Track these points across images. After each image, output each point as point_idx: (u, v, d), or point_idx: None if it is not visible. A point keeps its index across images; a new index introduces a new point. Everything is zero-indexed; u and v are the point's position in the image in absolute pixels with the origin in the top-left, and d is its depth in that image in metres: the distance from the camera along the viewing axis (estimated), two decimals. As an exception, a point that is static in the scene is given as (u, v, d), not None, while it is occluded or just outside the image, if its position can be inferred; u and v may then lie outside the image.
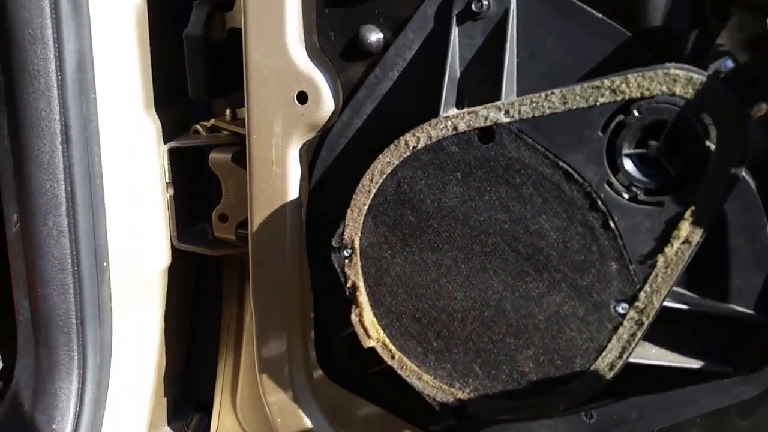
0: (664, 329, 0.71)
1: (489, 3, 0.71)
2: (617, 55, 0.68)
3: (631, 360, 0.69)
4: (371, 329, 0.78)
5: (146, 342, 1.11)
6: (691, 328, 0.71)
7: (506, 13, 0.70)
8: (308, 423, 0.96)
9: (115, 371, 1.03)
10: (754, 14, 0.59)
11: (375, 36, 0.78)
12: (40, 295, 0.96)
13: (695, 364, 0.70)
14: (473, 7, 0.71)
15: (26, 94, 0.87)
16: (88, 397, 1.00)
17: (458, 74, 0.74)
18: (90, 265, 0.96)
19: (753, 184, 0.67)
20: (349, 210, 0.75)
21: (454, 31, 0.72)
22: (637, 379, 0.75)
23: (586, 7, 0.69)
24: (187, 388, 1.31)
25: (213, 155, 1.04)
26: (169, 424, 1.23)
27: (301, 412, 0.96)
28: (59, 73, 0.87)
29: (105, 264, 0.99)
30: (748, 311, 0.69)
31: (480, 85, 0.72)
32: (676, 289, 0.71)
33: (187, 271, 1.23)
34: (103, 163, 0.95)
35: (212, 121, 1.12)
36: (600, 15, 0.68)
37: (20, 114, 0.88)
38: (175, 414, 1.25)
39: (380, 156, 0.72)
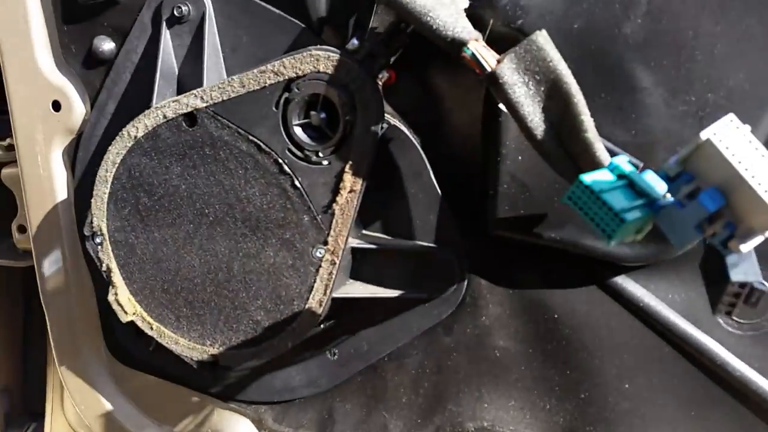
0: (369, 268, 0.85)
1: (189, 8, 0.82)
2: (296, 44, 0.81)
3: (339, 295, 0.82)
4: (127, 306, 0.87)
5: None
6: (390, 264, 0.85)
7: (204, 16, 0.82)
8: (108, 405, 1.04)
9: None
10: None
11: (107, 45, 0.89)
12: None
13: (395, 293, 0.84)
14: (176, 12, 0.83)
15: None
16: None
17: (176, 71, 0.85)
18: None
19: (416, 141, 0.81)
20: (92, 199, 0.84)
21: (165, 34, 0.84)
22: (363, 315, 0.88)
23: (268, 6, 0.82)
24: (23, 399, 1.35)
25: (5, 171, 1.10)
26: (0, 434, 1.27)
27: (100, 396, 1.03)
28: None
29: None
30: (430, 245, 0.83)
31: (193, 78, 0.84)
32: (371, 233, 0.85)
33: (9, 284, 1.28)
34: None
35: (8, 140, 1.18)
36: (279, 12, 0.81)
37: None
38: (9, 425, 1.29)
39: (110, 147, 0.82)
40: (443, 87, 0.81)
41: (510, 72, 0.62)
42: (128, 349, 1.00)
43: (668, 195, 0.53)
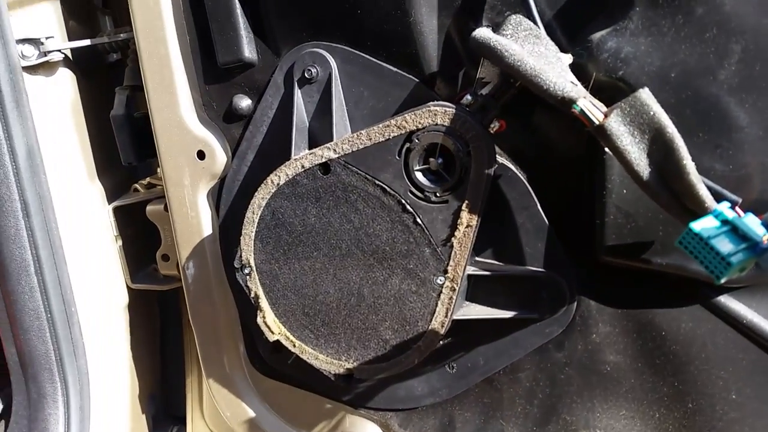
0: (484, 292, 0.98)
1: (317, 70, 0.98)
2: (411, 96, 0.95)
3: (458, 317, 0.95)
4: (273, 327, 1.04)
5: (120, 368, 1.38)
6: (503, 288, 0.97)
7: (330, 76, 0.98)
8: (251, 413, 1.23)
9: (95, 396, 1.30)
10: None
11: (245, 102, 1.06)
12: (22, 341, 1.23)
13: (508, 314, 0.96)
14: (306, 74, 0.98)
15: (-11, 184, 1.14)
16: (74, 419, 1.26)
17: (307, 124, 1.01)
18: (60, 311, 1.23)
19: (523, 176, 0.93)
20: (241, 237, 1.02)
21: (297, 93, 1.00)
22: (479, 333, 1.01)
23: (385, 64, 0.96)
24: (165, 405, 1.58)
25: (149, 208, 1.31)
26: (150, 437, 1.49)
27: (243, 404, 1.22)
28: (13, 163, 1.15)
29: (73, 309, 1.26)
30: (540, 269, 0.95)
31: (322, 130, 1.00)
32: (486, 260, 0.98)
33: (149, 305, 1.50)
34: (59, 228, 1.23)
35: (148, 179, 1.40)
36: (395, 69, 0.95)
37: (-14, 200, 1.15)
38: (155, 428, 1.51)
39: (256, 193, 0.99)
40: (547, 128, 0.92)
41: (617, 125, 0.73)
42: (269, 363, 1.17)
43: (767, 239, 0.62)
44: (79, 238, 1.26)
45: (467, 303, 0.99)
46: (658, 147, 0.73)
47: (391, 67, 0.96)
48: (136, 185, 1.39)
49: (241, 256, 1.03)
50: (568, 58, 0.82)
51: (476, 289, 0.99)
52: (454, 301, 0.93)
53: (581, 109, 0.74)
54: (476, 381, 1.04)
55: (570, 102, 0.74)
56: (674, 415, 0.94)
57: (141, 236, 1.38)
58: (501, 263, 0.98)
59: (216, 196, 1.13)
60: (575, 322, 0.96)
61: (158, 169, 1.38)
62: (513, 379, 1.03)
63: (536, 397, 1.02)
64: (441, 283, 0.93)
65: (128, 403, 1.40)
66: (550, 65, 0.78)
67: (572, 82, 0.78)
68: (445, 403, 1.09)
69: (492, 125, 0.86)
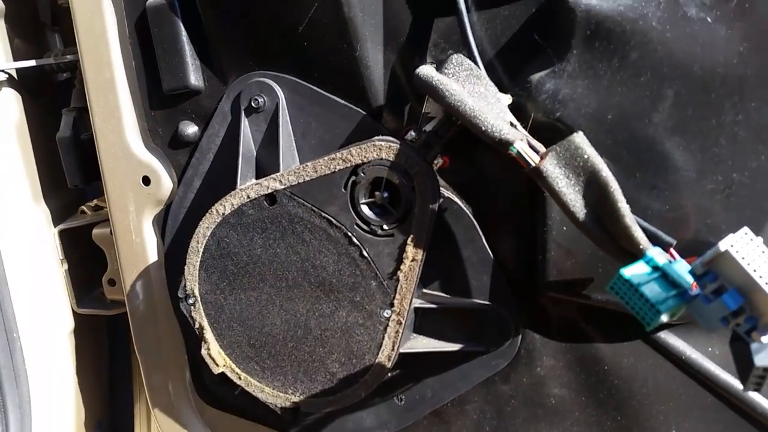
0: (430, 324, 0.99)
1: (264, 100, 0.98)
2: (358, 128, 0.96)
3: (405, 350, 0.96)
4: (218, 358, 1.04)
5: (65, 395, 1.35)
6: (449, 321, 0.99)
7: (277, 106, 0.98)
8: (198, 443, 1.22)
9: (37, 424, 1.27)
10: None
11: (191, 129, 1.06)
12: (-40, 367, 1.21)
13: (455, 346, 0.98)
14: (253, 104, 0.99)
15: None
16: (13, 449, 1.24)
17: (254, 153, 1.01)
18: (1, 336, 1.21)
19: (468, 210, 0.95)
20: (186, 266, 1.01)
21: (244, 122, 1.00)
22: (427, 366, 1.02)
23: (332, 96, 0.97)
24: (113, 431, 1.55)
25: (95, 231, 1.29)
26: (95, 466, 1.47)
27: (190, 434, 1.21)
28: (-50, 186, 1.13)
29: (15, 335, 1.23)
30: (485, 302, 0.97)
31: (270, 160, 1.00)
32: (432, 292, 0.99)
33: (96, 330, 1.48)
34: (2, 250, 1.20)
35: (95, 201, 1.38)
36: (342, 101, 0.96)
37: None
38: (101, 457, 1.49)
39: (201, 222, 0.99)
40: (491, 164, 0.94)
41: (552, 167, 0.75)
42: (216, 394, 1.16)
43: (695, 287, 0.64)
44: (22, 261, 1.24)
45: (414, 335, 1.00)
46: (593, 189, 0.75)
47: (338, 100, 0.97)
48: (84, 207, 1.37)
49: (185, 286, 1.02)
50: (507, 99, 0.84)
51: (423, 321, 1.00)
52: (400, 334, 0.94)
53: (518, 151, 0.76)
54: (425, 413, 1.05)
55: (507, 144, 0.76)
56: (617, 449, 0.96)
57: (88, 260, 1.37)
58: (447, 296, 0.99)
59: (161, 222, 1.12)
60: (520, 355, 0.98)
61: (106, 192, 1.37)
62: (461, 411, 1.04)
63: (483, 429, 1.03)
64: (387, 316, 0.94)
65: (73, 430, 1.37)
66: (489, 105, 0.80)
67: (511, 123, 0.79)
68: (394, 435, 1.09)
69: (435, 161, 0.87)
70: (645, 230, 0.75)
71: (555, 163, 0.75)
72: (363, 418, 1.09)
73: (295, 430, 1.15)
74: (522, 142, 0.76)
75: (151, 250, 1.13)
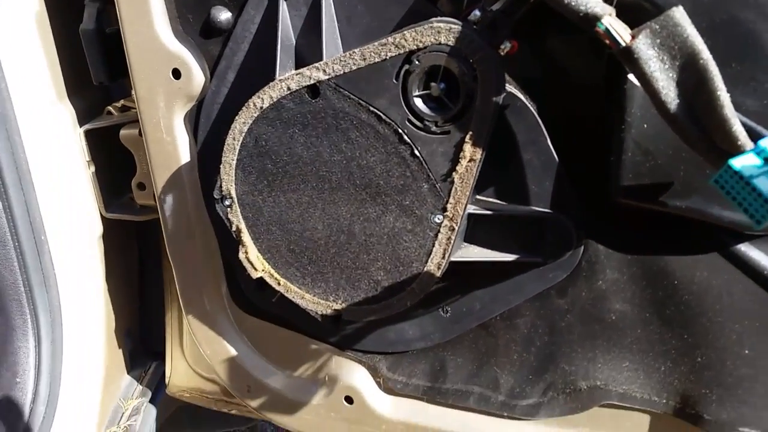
0: (483, 233, 0.92)
1: (306, -22, 0.88)
2: (411, 13, 0.86)
3: (456, 259, 0.90)
4: (257, 263, 0.99)
5: (94, 301, 1.33)
6: (505, 229, 0.92)
7: (321, -15, 0.88)
8: (233, 351, 1.19)
9: (68, 329, 1.26)
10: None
11: (224, 15, 0.96)
12: (-11, 270, 1.18)
13: (511, 257, 0.91)
14: (293, -18, 0.89)
15: (-56, 99, 1.06)
16: (45, 353, 1.22)
17: (293, 41, 0.92)
18: (29, 238, 1.17)
19: (533, 107, 0.86)
20: (221, 165, 0.95)
21: (282, 6, 0.90)
22: (476, 277, 0.96)
23: (383, -25, 0.87)
24: (143, 340, 1.55)
25: (123, 132, 1.23)
26: (128, 373, 1.46)
27: (225, 343, 1.19)
28: (-29, 78, 1.06)
29: (43, 237, 1.19)
30: (546, 210, 0.89)
31: (310, 48, 0.91)
32: (487, 199, 0.92)
33: (125, 236, 1.44)
34: (26, 150, 1.15)
35: (122, 101, 1.31)
36: (394, -20, 0.86)
37: (-58, 117, 1.07)
38: (133, 363, 1.48)
39: (236, 117, 0.91)
40: (562, 53, 0.84)
41: (645, 47, 0.65)
42: (252, 300, 1.13)
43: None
44: (48, 163, 1.19)
45: (465, 244, 0.93)
46: (690, 75, 0.65)
47: (390, -22, 0.87)
48: (110, 108, 1.30)
49: (221, 186, 0.96)
50: (590, -29, 0.73)
51: (475, 230, 0.93)
52: (452, 241, 0.87)
53: (606, 28, 0.66)
54: (471, 326, 1.00)
55: (594, 19, 0.66)
56: (681, 369, 0.91)
57: (115, 163, 1.31)
58: (503, 202, 0.91)
59: (194, 119, 1.05)
60: (581, 267, 0.91)
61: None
62: (510, 326, 0.99)
63: (534, 344, 0.98)
64: (439, 221, 0.87)
65: (104, 337, 1.36)
66: (571, -24, 0.70)
67: (597, 1, 0.69)
68: (437, 347, 1.05)
69: (502, 46, 0.78)
70: (744, 126, 0.66)
71: (649, 43, 0.65)
72: (405, 329, 1.04)
73: (334, 339, 1.11)
74: (612, 18, 0.66)
75: (182, 150, 1.07)
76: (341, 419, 1.14)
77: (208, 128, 1.04)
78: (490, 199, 0.92)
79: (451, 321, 1.01)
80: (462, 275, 0.96)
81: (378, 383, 1.12)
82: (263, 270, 1.00)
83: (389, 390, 1.12)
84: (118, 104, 1.30)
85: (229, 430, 2.19)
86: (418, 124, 0.83)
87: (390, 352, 1.08)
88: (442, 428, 1.08)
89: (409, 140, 0.84)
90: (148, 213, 1.31)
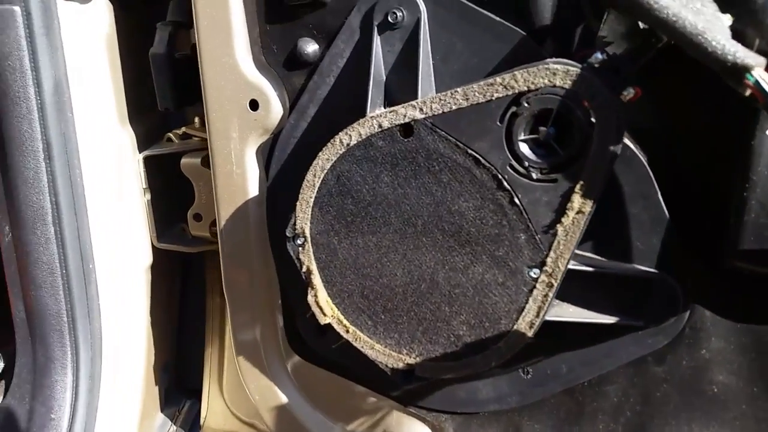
0: (579, 290, 0.85)
1: (403, 14, 0.84)
2: (515, 53, 0.81)
3: (549, 318, 0.83)
4: (326, 308, 0.92)
5: (135, 334, 1.26)
6: (603, 288, 0.85)
7: (418, 22, 0.84)
8: (284, 398, 1.11)
9: (107, 363, 1.18)
10: (624, 13, 0.71)
11: (311, 47, 0.92)
12: (33, 297, 1.11)
13: (609, 319, 0.84)
14: (389, 18, 0.84)
15: (10, 118, 1.01)
16: (82, 387, 1.15)
17: (384, 77, 0.87)
18: (77, 267, 1.11)
19: (644, 158, 0.80)
20: (297, 203, 0.89)
21: (376, 40, 0.86)
22: (565, 337, 0.89)
23: (486, 13, 0.82)
24: (178, 376, 1.47)
25: (184, 160, 1.18)
26: (162, 411, 1.38)
27: (276, 389, 1.11)
28: (38, 98, 1.02)
29: (91, 266, 1.14)
30: (651, 269, 0.82)
31: (402, 86, 0.86)
32: (585, 254, 0.85)
33: (171, 267, 1.38)
34: (83, 174, 1.10)
35: (183, 129, 1.26)
36: (498, 18, 0.81)
37: (5, 136, 1.02)
38: (167, 401, 1.40)
39: (320, 153, 0.86)
40: (680, 101, 0.79)
41: (801, 103, 0.59)
42: (311, 346, 1.05)
43: None
44: (103, 188, 1.14)
45: (557, 301, 0.86)
46: None
47: (493, 17, 0.82)
48: (170, 134, 1.26)
49: (295, 224, 0.90)
50: (728, 19, 0.68)
51: (569, 287, 0.85)
52: (549, 299, 0.80)
53: (756, 81, 0.60)
54: (555, 391, 0.92)
55: (743, 70, 0.61)
56: (791, 451, 0.82)
57: (170, 192, 1.26)
58: (603, 258, 0.85)
59: (267, 153, 1.00)
60: (684, 333, 0.84)
61: (195, 119, 1.25)
62: (599, 392, 0.91)
63: (623, 414, 0.90)
64: (535, 276, 0.80)
65: (142, 372, 1.29)
66: (715, 26, 0.65)
67: (746, 51, 0.64)
68: (512, 411, 0.97)
69: (625, 92, 0.72)
70: None
71: (806, 98, 0.59)
72: (478, 389, 0.97)
73: (397, 393, 1.03)
74: (761, 69, 0.61)
75: (252, 183, 1.01)
76: (398, 480, 1.06)
77: (282, 163, 0.99)
78: (588, 254, 0.85)
79: (531, 383, 0.93)
80: (549, 335, 0.88)
81: (442, 444, 1.04)
82: (332, 315, 0.93)
83: (454, 452, 1.03)
84: (179, 131, 1.26)
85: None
86: (520, 170, 0.77)
87: (459, 413, 1.00)
88: (510, 499, 0.99)
89: (509, 187, 0.78)
90: (199, 245, 1.26)
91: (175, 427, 1.38)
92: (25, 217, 1.07)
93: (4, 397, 1.24)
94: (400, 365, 0.91)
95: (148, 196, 1.20)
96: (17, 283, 1.14)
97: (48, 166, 1.05)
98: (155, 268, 1.27)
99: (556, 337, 0.89)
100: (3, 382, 1.29)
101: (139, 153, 1.19)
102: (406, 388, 1.01)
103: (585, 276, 0.84)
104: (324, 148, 0.86)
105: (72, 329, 1.13)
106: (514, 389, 0.94)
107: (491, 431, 0.99)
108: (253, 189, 1.02)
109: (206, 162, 1.16)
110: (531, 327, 0.82)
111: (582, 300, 0.86)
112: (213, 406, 1.36)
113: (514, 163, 0.77)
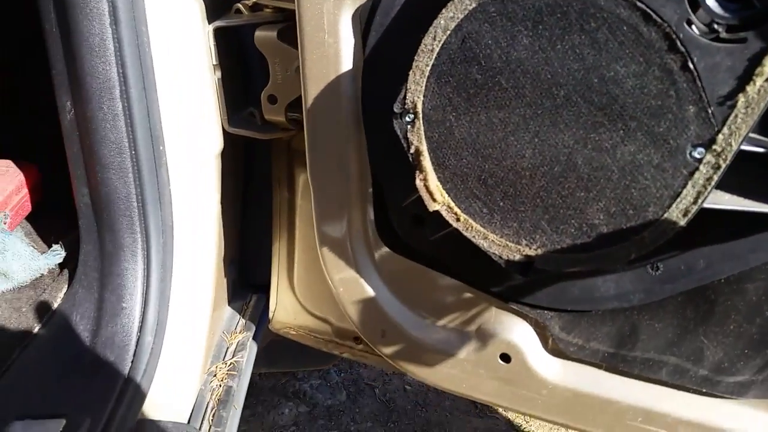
0: (738, 175, 0.71)
1: None
2: None
3: (707, 205, 0.69)
4: (436, 193, 0.79)
5: (205, 225, 1.14)
6: (764, 173, 0.70)
7: None
8: (371, 292, 1.00)
9: (178, 253, 1.07)
10: None
11: None
12: (99, 180, 0.98)
13: (768, 208, 0.70)
14: None
15: (70, -28, 0.85)
16: (154, 277, 1.04)
17: None
18: (147, 148, 0.97)
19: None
20: (410, 72, 0.74)
21: None
22: (706, 228, 0.75)
23: None
24: (243, 271, 1.37)
25: (259, 33, 1.01)
26: (229, 304, 1.29)
27: (363, 281, 1.00)
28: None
29: (161, 148, 1.00)
30: (829, 153, 0.68)
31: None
32: (750, 134, 0.70)
33: (238, 156, 1.25)
34: (151, 44, 0.94)
35: (252, -1, 1.09)
36: None
37: (65, -6, 0.86)
38: (234, 295, 1.31)
39: (443, 11, 0.70)
40: None
41: None
42: (404, 238, 0.93)
43: None
44: (171, 62, 0.98)
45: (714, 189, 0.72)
46: None
47: None
48: (239, 5, 1.08)
49: (405, 98, 0.76)
50: None
51: (728, 170, 0.72)
52: (713, 183, 0.66)
53: None
54: (687, 287, 0.80)
55: None
56: None
57: (242, 70, 1.10)
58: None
59: (365, 17, 0.83)
60: None
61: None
62: (736, 290, 0.79)
63: (761, 314, 0.79)
64: (699, 157, 0.66)
65: (213, 265, 1.18)
66: None
67: None
68: (631, 309, 0.85)
69: None
70: None
71: None
72: (596, 286, 0.85)
73: (498, 289, 0.92)
74: None
75: (346, 55, 0.86)
76: (493, 378, 0.96)
77: (384, 28, 0.82)
78: (754, 135, 0.70)
79: (660, 280, 0.81)
80: (689, 226, 0.75)
81: (544, 343, 0.93)
82: (442, 202, 0.80)
83: (557, 352, 0.93)
84: (248, 2, 1.08)
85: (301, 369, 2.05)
86: (701, 27, 0.61)
87: (569, 310, 0.89)
88: (619, 400, 0.90)
89: (683, 48, 0.62)
90: (271, 131, 1.11)
91: (244, 321, 1.29)
92: (91, 90, 0.93)
93: (69, 286, 1.14)
94: (517, 257, 0.79)
95: (219, 74, 1.05)
96: (81, 164, 1.01)
97: (114, 32, 0.89)
98: (225, 156, 1.14)
99: (695, 227, 0.76)
100: (66, 271, 1.18)
101: (209, 24, 1.02)
102: (511, 284, 0.90)
103: (750, 158, 0.69)
104: (449, 4, 0.69)
105: (142, 215, 1.01)
106: (638, 286, 0.82)
107: (603, 329, 0.88)
108: (347, 62, 0.86)
109: (283, 35, 1.00)
110: (685, 215, 0.69)
111: (741, 186, 0.72)
112: (282, 300, 1.27)
113: (693, 18, 0.61)
